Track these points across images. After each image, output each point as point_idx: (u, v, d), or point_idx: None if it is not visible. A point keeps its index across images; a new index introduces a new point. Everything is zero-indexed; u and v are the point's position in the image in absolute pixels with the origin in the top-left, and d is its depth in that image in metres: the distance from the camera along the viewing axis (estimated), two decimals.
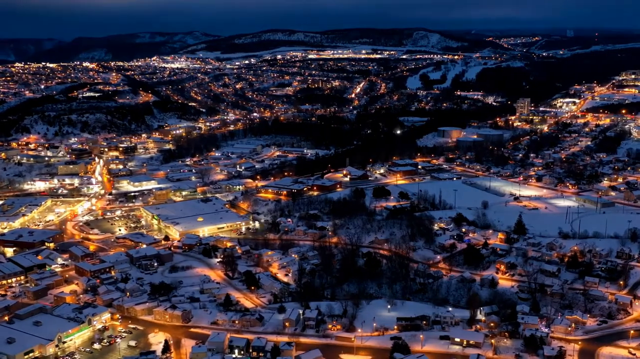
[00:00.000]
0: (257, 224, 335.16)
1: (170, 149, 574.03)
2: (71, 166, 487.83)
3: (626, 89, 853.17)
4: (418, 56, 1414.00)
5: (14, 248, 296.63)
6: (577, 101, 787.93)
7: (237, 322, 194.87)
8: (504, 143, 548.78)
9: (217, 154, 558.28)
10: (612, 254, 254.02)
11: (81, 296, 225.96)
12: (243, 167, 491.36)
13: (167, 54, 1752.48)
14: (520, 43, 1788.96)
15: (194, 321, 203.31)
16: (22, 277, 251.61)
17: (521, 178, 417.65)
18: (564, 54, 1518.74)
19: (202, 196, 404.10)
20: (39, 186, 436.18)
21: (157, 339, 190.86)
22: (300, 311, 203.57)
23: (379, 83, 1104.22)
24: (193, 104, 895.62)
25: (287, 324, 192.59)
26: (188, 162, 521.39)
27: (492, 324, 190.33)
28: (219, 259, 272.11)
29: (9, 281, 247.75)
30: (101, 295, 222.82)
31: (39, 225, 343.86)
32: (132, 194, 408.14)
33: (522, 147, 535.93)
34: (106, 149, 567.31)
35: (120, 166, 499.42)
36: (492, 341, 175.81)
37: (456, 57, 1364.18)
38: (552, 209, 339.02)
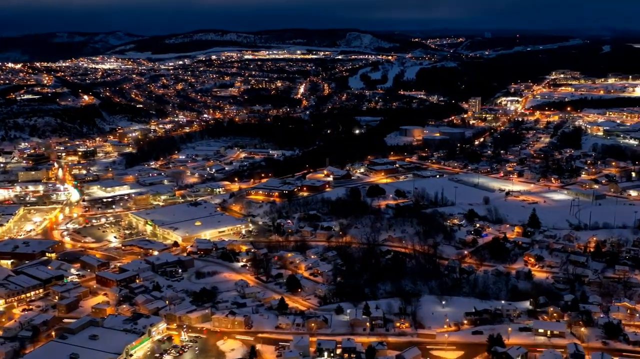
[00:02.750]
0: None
1: (131, 153, 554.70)
2: (32, 173, 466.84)
3: (562, 88, 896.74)
4: (353, 57, 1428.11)
5: (12, 260, 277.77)
6: (519, 99, 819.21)
7: (313, 326, 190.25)
8: (467, 141, 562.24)
9: (182, 157, 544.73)
10: (628, 243, 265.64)
11: (124, 306, 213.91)
12: (214, 170, 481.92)
13: (89, 54, 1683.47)
14: (447, 44, 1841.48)
15: (255, 326, 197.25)
16: (41, 290, 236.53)
17: (501, 174, 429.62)
18: (489, 55, 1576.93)
19: (183, 200, 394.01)
20: (2, 194, 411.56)
21: (227, 347, 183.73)
22: (361, 311, 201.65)
23: (320, 83, 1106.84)
24: (139, 105, 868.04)
25: (367, 324, 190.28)
26: (154, 166, 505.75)
27: (555, 314, 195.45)
28: (242, 263, 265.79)
29: (28, 294, 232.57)
30: (144, 304, 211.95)
31: (21, 235, 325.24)
32: (109, 199, 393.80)
33: (489, 144, 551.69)
34: (64, 154, 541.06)
35: (84, 171, 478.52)
36: (582, 329, 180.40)
37: (390, 57, 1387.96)
38: (550, 202, 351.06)
